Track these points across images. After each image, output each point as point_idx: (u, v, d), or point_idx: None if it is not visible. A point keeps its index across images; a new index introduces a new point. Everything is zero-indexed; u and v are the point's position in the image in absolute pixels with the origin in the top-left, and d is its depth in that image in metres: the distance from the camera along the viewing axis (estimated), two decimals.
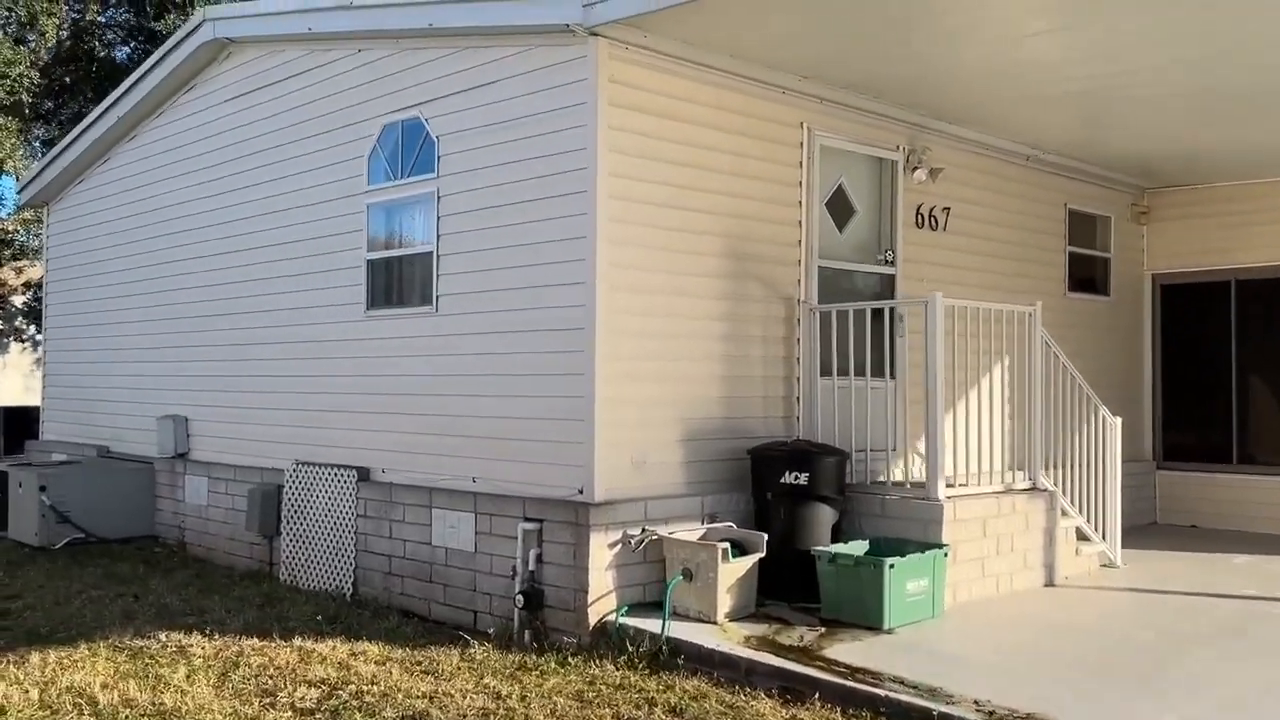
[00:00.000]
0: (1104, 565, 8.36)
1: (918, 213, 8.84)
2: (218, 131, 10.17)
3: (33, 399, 25.33)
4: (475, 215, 7.49)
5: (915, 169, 8.66)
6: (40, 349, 14.03)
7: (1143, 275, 11.62)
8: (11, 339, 25.42)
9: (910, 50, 7.26)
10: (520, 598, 6.69)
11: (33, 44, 16.40)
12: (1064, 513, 7.94)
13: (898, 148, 8.63)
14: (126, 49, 19.96)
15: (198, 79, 10.52)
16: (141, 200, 11.42)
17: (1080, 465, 8.35)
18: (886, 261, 8.61)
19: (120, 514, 10.58)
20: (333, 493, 8.47)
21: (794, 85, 7.73)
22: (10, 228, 19.52)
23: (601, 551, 6.57)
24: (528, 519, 6.87)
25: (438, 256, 7.78)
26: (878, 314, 8.04)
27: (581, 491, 6.66)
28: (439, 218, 7.77)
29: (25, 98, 16.33)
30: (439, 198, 7.77)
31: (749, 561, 6.60)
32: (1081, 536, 8.19)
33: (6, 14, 15.49)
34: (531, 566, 6.76)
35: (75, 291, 12.73)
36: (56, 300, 13.25)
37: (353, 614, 7.64)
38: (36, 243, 18.24)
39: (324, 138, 8.81)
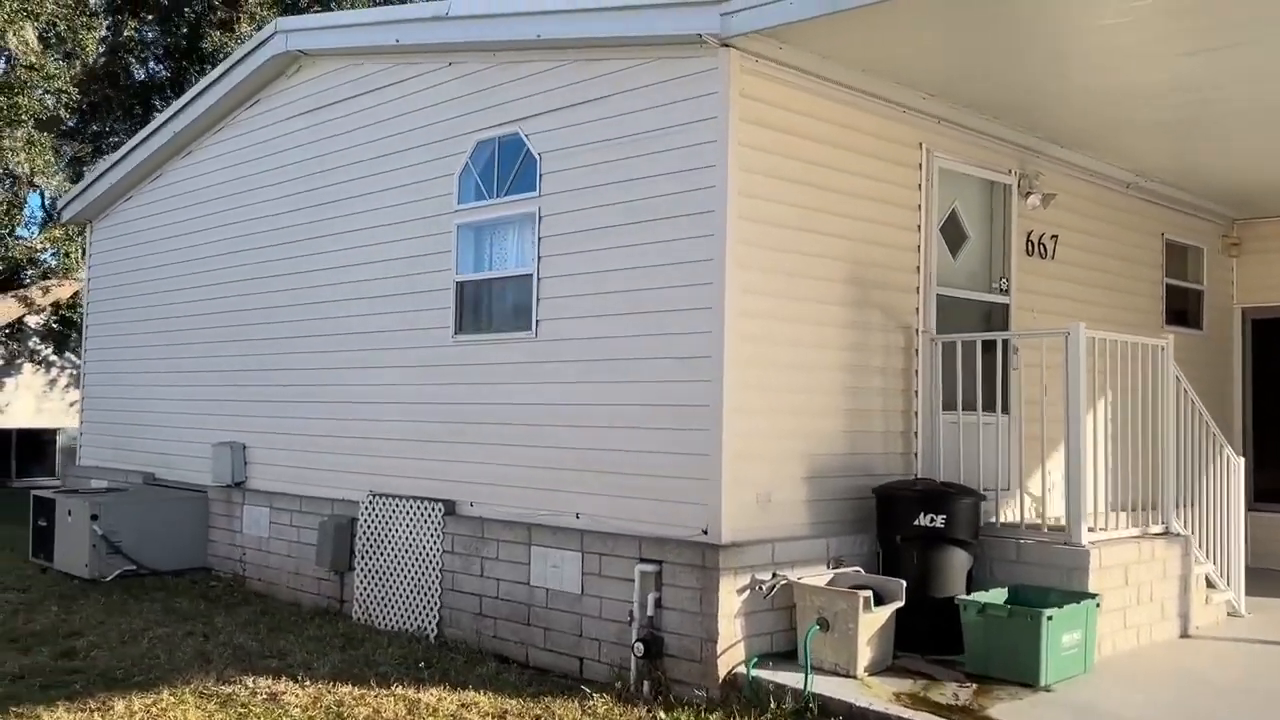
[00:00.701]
0: (1230, 614, 7.91)
1: (1028, 240, 8.45)
2: (285, 148, 9.77)
3: (44, 421, 24.98)
4: (582, 236, 7.08)
5: (1029, 194, 8.27)
6: (79, 370, 13.58)
7: (1232, 309, 11.21)
8: (25, 360, 24.96)
9: (1026, 69, 6.90)
10: (640, 646, 6.23)
11: (72, 59, 16.02)
12: (1196, 559, 7.50)
13: (1009, 171, 8.25)
14: (161, 66, 19.64)
15: (262, 94, 10.14)
16: (195, 218, 11.02)
17: (1205, 507, 7.91)
18: (1001, 290, 8.20)
19: (172, 545, 10.10)
20: (414, 526, 8.00)
21: (915, 104, 7.35)
22: (38, 246, 19.10)
23: (730, 598, 6.11)
24: (644, 560, 6.42)
25: (538, 279, 7.36)
26: (988, 346, 7.63)
27: (706, 532, 6.21)
28: (540, 238, 7.36)
29: (63, 113, 15.95)
30: (540, 217, 7.36)
31: (888, 611, 6.15)
32: (1209, 584, 7.74)
33: (49, 27, 15.09)
34: (650, 612, 6.30)
35: (119, 311, 12.30)
36: (98, 320, 12.81)
37: (444, 658, 7.16)
38: (68, 261, 17.79)
39: (408, 155, 8.41)
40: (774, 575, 6.26)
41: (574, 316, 7.11)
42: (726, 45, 6.23)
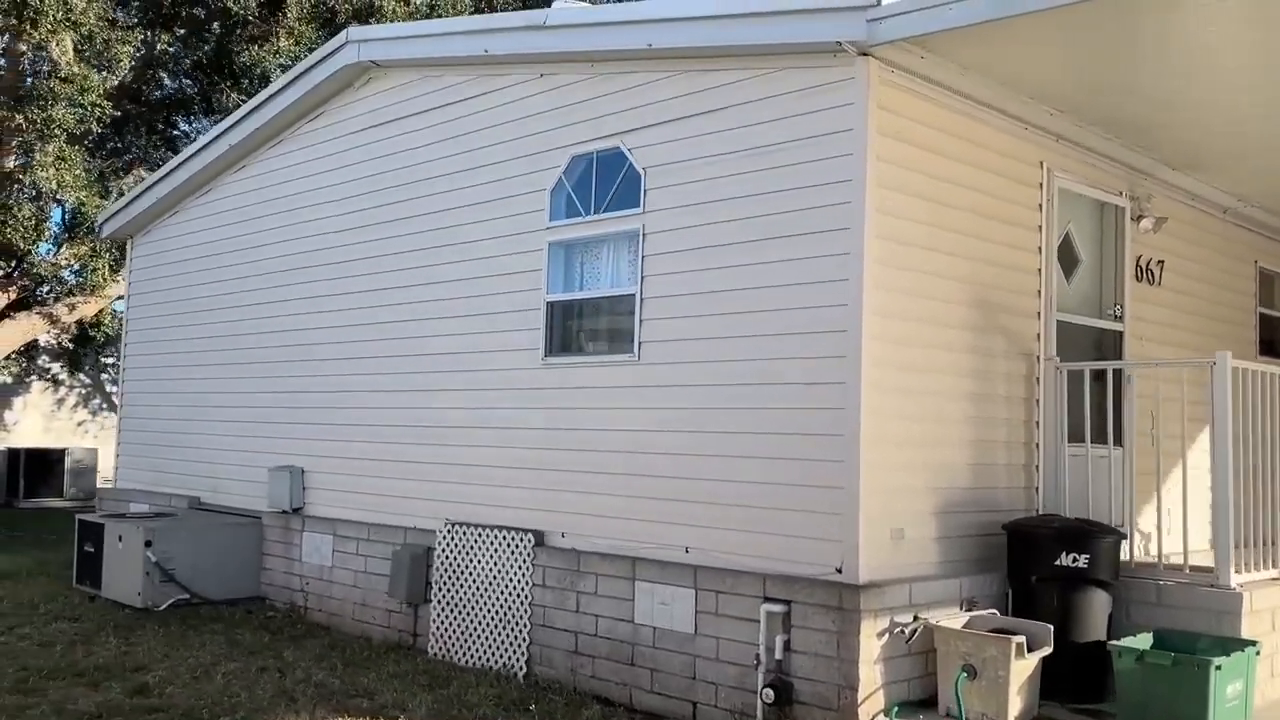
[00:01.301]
0: None
1: (1137, 265, 8.12)
2: (351, 162, 9.43)
3: (52, 440, 24.49)
4: (692, 255, 6.73)
5: (1141, 217, 7.96)
6: (118, 389, 13.18)
7: None
8: (35, 378, 24.52)
9: (1152, 84, 6.61)
10: (769, 692, 5.83)
11: (104, 73, 15.70)
12: None
13: (1121, 193, 7.93)
14: (189, 81, 19.33)
15: (327, 106, 9.81)
16: (248, 234, 10.66)
17: None
18: (1115, 316, 7.86)
19: (225, 573, 9.68)
20: (500, 558, 7.61)
21: (1039, 120, 7.05)
22: (62, 262, 18.71)
23: (870, 642, 5.72)
24: (770, 599, 6.03)
25: (641, 299, 7.00)
26: (1098, 375, 7.30)
27: (840, 570, 5.83)
28: (644, 257, 7.01)
29: (95, 128, 15.61)
30: (644, 235, 7.02)
31: (1037, 657, 5.76)
32: None
33: (86, 40, 14.77)
34: (779, 655, 5.91)
35: (161, 330, 11.92)
36: (138, 339, 12.42)
37: (542, 699, 6.76)
38: (94, 278, 17.39)
39: (492, 170, 8.07)
40: (915, 618, 5.88)
41: (682, 339, 6.75)
42: (865, 54, 5.91)
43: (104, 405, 25.66)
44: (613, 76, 7.28)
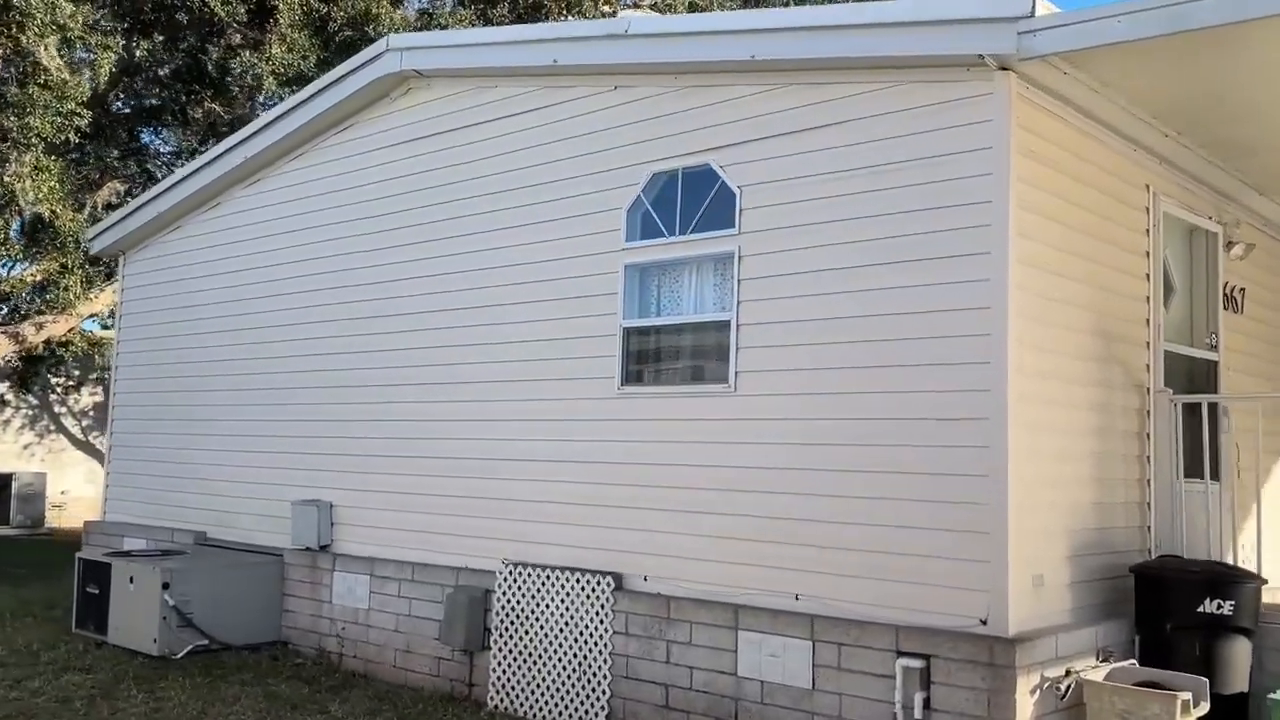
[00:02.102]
0: None
1: (1224, 292, 7.86)
2: (388, 178, 8.86)
3: (11, 464, 23.30)
4: (800, 279, 6.30)
5: (1232, 244, 7.70)
6: (108, 414, 12.39)
7: None
8: None
9: (1264, 106, 6.33)
10: None
11: (87, 81, 14.92)
12: None
13: (1211, 218, 7.67)
14: (163, 90, 18.53)
15: (357, 118, 9.24)
16: (263, 252, 10.03)
17: None
18: (1210, 345, 7.58)
19: (245, 616, 9.00)
20: (573, 602, 7.08)
21: (1148, 141, 6.74)
22: (26, 278, 17.78)
23: (1024, 700, 5.30)
24: (905, 654, 5.58)
25: (737, 326, 6.55)
26: (1191, 409, 7.00)
27: (984, 621, 5.41)
28: (739, 281, 6.57)
29: (73, 137, 14.80)
30: (740, 258, 6.57)
31: (1197, 715, 5.38)
32: None
33: (67, 46, 14.00)
34: (918, 714, 5.46)
35: (159, 352, 11.19)
36: (130, 361, 11.67)
37: None
38: (65, 296, 16.51)
39: (557, 188, 7.58)
40: (1067, 672, 5.47)
41: (786, 369, 6.31)
42: (1005, 69, 5.54)
43: (53, 428, 24.51)
44: (702, 89, 6.84)
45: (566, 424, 7.37)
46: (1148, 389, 6.80)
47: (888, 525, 5.78)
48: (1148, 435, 6.76)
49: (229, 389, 10.19)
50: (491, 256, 7.96)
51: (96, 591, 9.27)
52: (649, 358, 7.11)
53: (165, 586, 8.58)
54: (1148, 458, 6.76)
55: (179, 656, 8.57)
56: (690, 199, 6.90)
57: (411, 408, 8.42)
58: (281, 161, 9.97)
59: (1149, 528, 6.72)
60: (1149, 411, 6.78)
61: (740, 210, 6.61)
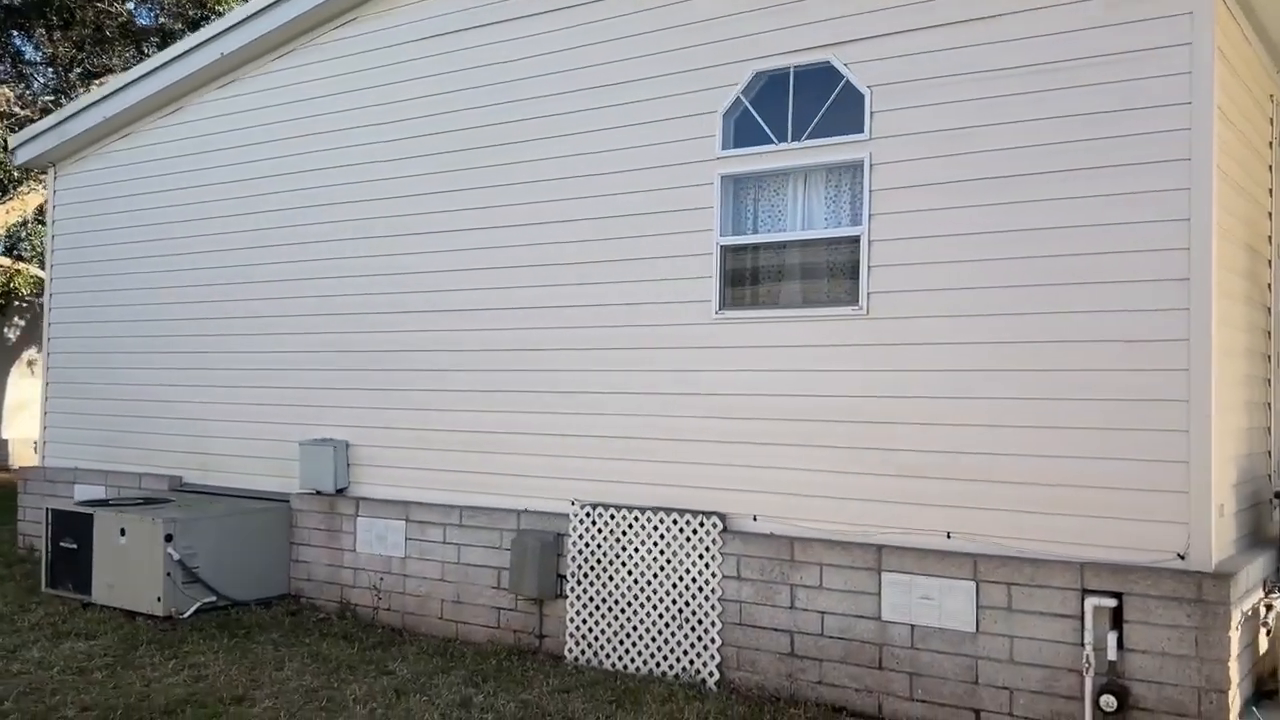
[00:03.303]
0: None
1: None
2: (417, 76, 7.86)
3: None
4: (947, 190, 5.74)
5: None
6: (43, 351, 11.03)
7: None
8: None
9: None
10: (1109, 699, 5.01)
11: None
12: None
13: None
14: None
15: (364, 8, 8.20)
16: (247, 163, 8.92)
17: None
18: None
19: (252, 569, 8.10)
20: (670, 545, 6.48)
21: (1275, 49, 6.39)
22: None
23: (1233, 636, 4.99)
24: (1093, 592, 5.19)
25: (869, 243, 5.97)
26: None
27: (1183, 556, 5.06)
28: (871, 192, 5.97)
29: None
30: (870, 166, 5.97)
31: None
32: None
33: None
34: (1111, 656, 5.10)
35: (107, 277, 9.97)
36: (68, 288, 10.38)
37: (782, 714, 5.74)
38: None
39: (636, 88, 6.80)
40: (1268, 606, 5.18)
41: (933, 289, 5.78)
42: None
43: None
44: None
45: (653, 353, 6.70)
46: (1268, 308, 6.55)
47: (1062, 456, 5.35)
48: (1267, 357, 6.53)
49: (209, 317, 9.10)
50: (559, 166, 7.13)
51: (74, 546, 8.19)
52: (758, 278, 6.47)
53: (169, 539, 7.60)
54: (1268, 380, 6.53)
55: (186, 616, 7.64)
56: (804, 101, 6.24)
57: (453, 337, 7.58)
58: (266, 59, 8.83)
59: (1269, 452, 6.51)
60: (1269, 332, 6.54)
61: (871, 114, 5.99)
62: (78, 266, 10.31)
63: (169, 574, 7.60)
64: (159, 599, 7.58)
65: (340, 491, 8.13)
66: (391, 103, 8.00)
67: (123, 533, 7.84)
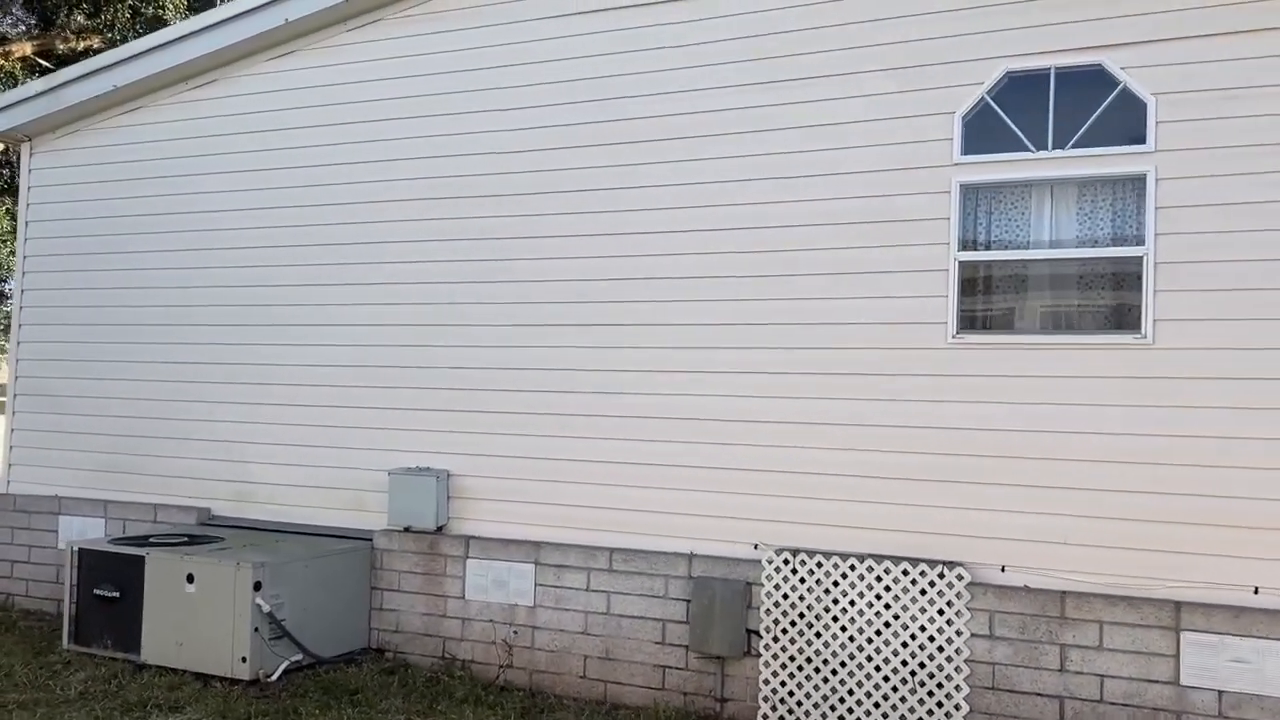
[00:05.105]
0: None
1: None
2: (563, 56, 6.92)
3: None
4: (1248, 212, 5.24)
5: None
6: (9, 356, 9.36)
7: None
8: None
9: None
10: None
11: None
12: None
13: None
14: None
15: None
16: (318, 147, 7.75)
17: None
18: None
19: (332, 619, 6.92)
20: (898, 599, 5.74)
21: None
22: None
23: None
24: None
25: (1153, 264, 5.41)
26: None
27: None
28: (1156, 209, 5.42)
29: None
30: (1157, 181, 5.42)
31: None
32: None
33: None
34: None
35: (100, 273, 8.55)
36: (43, 284, 8.85)
37: None
38: None
39: (855, 81, 6.07)
40: None
41: (1221, 318, 5.26)
42: None
43: None
44: None
45: (871, 380, 5.95)
46: None
47: None
48: None
49: (253, 324, 7.84)
50: (736, 166, 6.33)
51: (115, 595, 6.81)
52: (1008, 299, 5.81)
53: (257, 587, 6.37)
54: None
55: (274, 678, 6.41)
56: (1068, 106, 5.65)
57: (601, 356, 6.64)
58: (338, 29, 7.68)
59: None
60: None
61: (1156, 124, 5.44)
62: (61, 259, 8.79)
63: (256, 628, 6.36)
64: (244, 659, 6.34)
65: (439, 529, 7.05)
66: (523, 86, 7.01)
67: (190, 579, 6.53)
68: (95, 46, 16.91)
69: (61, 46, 16.81)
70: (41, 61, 16.81)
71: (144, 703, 5.99)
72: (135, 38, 15.92)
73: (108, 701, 6.02)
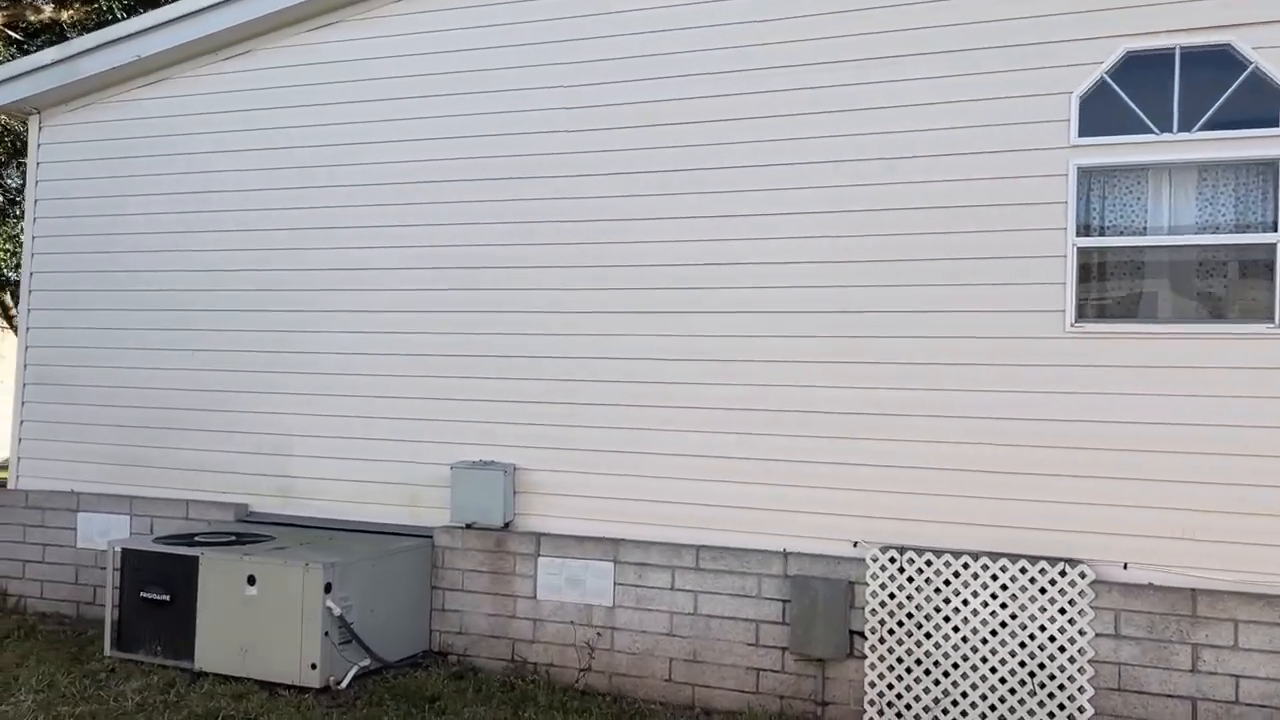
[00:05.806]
0: None
1: None
2: (650, 29, 6.61)
3: None
4: None
5: None
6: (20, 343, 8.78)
7: None
8: None
9: None
10: None
11: None
12: None
13: None
14: None
15: None
16: (364, 123, 7.35)
17: None
18: None
19: (394, 621, 6.56)
20: (1016, 598, 5.52)
21: None
22: None
23: None
24: None
25: None
26: None
27: None
28: None
29: None
30: None
31: None
32: None
33: None
34: None
35: (117, 255, 8.09)
36: (54, 265, 8.34)
37: None
38: None
39: (964, 59, 5.82)
40: None
41: None
42: None
43: None
44: None
45: (975, 369, 5.73)
46: None
47: None
48: None
49: (292, 309, 7.43)
50: (836, 145, 6.06)
51: (165, 598, 6.38)
52: (1105, 287, 5.61)
53: (328, 589, 5.99)
54: None
55: (344, 685, 6.04)
56: (1195, 87, 5.45)
57: (685, 344, 6.35)
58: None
59: None
60: None
61: None
62: (74, 239, 8.28)
63: (326, 633, 5.98)
64: (313, 666, 5.95)
65: (505, 526, 6.71)
66: (597, 61, 6.67)
67: (251, 581, 6.13)
68: (68, 19, 16.15)
69: (32, 17, 16.03)
70: (11, 33, 16.01)
71: (212, 714, 5.59)
72: (117, 10, 15.23)
73: (171, 714, 5.61)
